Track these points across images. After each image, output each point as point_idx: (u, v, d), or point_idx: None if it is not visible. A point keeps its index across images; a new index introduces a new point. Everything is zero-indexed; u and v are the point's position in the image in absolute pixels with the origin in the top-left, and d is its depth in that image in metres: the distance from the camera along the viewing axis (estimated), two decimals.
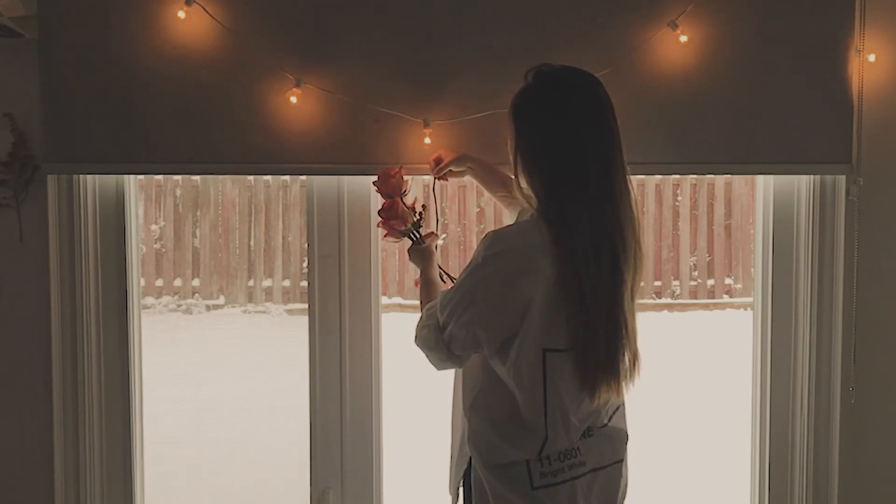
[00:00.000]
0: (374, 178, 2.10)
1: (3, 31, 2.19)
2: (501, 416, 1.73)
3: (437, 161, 2.13)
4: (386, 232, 2.07)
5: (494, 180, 2.11)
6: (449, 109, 2.19)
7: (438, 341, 1.74)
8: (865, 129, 2.27)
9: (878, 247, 2.31)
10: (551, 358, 1.67)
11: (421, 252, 2.04)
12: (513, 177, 1.74)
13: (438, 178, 2.14)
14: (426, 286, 1.96)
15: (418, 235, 2.06)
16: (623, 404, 1.84)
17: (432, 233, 2.09)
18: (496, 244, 1.69)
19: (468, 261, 1.73)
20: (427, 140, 2.17)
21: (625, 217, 1.67)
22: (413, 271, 7.39)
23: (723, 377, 5.29)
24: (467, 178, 2.16)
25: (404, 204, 2.05)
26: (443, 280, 2.05)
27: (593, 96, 1.68)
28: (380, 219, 2.06)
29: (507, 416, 1.72)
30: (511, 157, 1.72)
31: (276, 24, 2.20)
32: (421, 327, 1.79)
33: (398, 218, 2.04)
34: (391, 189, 2.05)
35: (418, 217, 2.06)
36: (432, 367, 1.81)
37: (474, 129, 2.19)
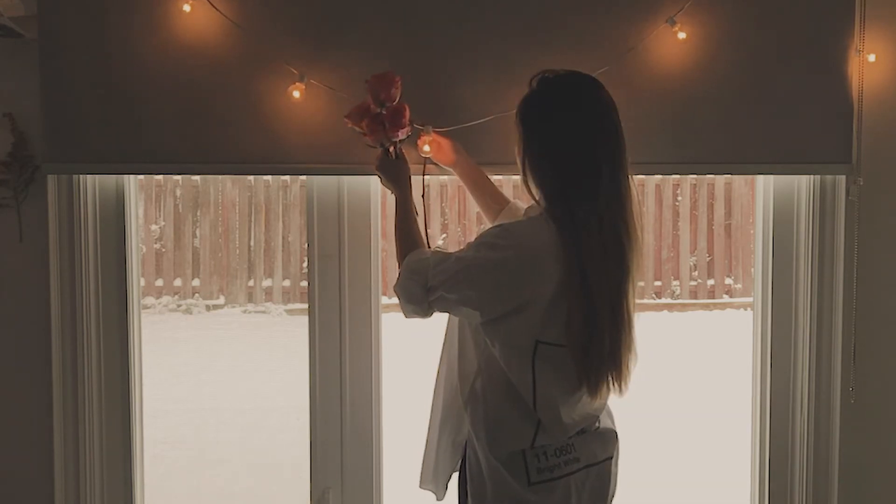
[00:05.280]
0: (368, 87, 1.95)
1: (3, 31, 2.19)
2: (496, 402, 1.74)
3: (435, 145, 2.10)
4: (369, 133, 1.93)
5: (482, 185, 2.10)
6: (450, 113, 2.16)
7: (423, 300, 1.75)
8: (865, 129, 2.27)
9: (878, 247, 2.31)
10: (543, 349, 1.69)
11: (401, 168, 1.95)
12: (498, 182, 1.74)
13: (423, 148, 2.06)
14: (405, 217, 1.89)
15: (399, 152, 1.95)
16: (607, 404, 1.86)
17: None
18: (508, 236, 1.70)
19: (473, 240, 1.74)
20: (426, 147, 2.09)
21: (629, 216, 1.70)
22: None
23: (723, 377, 5.30)
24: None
25: None
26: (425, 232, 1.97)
27: (598, 97, 1.71)
28: (371, 117, 1.92)
29: (502, 401, 1.74)
30: (519, 161, 1.74)
31: (279, 19, 2.19)
32: (406, 277, 1.78)
33: (402, 126, 1.91)
34: (389, 97, 1.92)
35: (407, 136, 1.97)
36: (403, 315, 1.82)
37: (475, 131, 2.18)
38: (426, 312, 1.78)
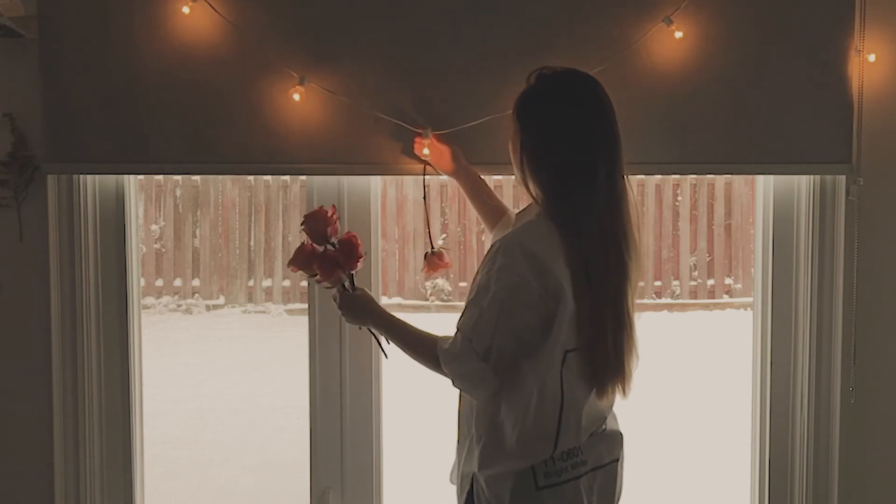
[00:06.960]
0: (321, 222, 1.88)
1: (3, 31, 2.19)
2: (514, 435, 1.70)
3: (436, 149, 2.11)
4: (325, 276, 1.84)
5: (482, 193, 2.10)
6: (449, 114, 2.17)
7: (484, 372, 1.66)
8: (865, 129, 2.27)
9: (878, 247, 2.31)
10: (569, 357, 1.68)
11: (364, 299, 1.87)
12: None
13: (422, 151, 2.07)
14: (399, 332, 1.82)
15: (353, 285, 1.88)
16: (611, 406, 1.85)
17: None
18: (513, 249, 1.67)
19: (476, 276, 1.71)
20: (426, 151, 2.11)
21: (627, 217, 1.70)
22: (415, 270, 7.32)
23: (723, 377, 5.30)
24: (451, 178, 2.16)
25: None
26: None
27: (595, 95, 1.71)
28: (320, 258, 1.84)
29: (520, 433, 1.70)
30: (516, 158, 1.73)
31: (279, 22, 2.19)
32: (457, 365, 1.68)
33: (359, 257, 1.84)
34: (334, 231, 1.85)
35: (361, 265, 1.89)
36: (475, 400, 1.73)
37: (474, 132, 2.17)
38: (493, 381, 1.67)
